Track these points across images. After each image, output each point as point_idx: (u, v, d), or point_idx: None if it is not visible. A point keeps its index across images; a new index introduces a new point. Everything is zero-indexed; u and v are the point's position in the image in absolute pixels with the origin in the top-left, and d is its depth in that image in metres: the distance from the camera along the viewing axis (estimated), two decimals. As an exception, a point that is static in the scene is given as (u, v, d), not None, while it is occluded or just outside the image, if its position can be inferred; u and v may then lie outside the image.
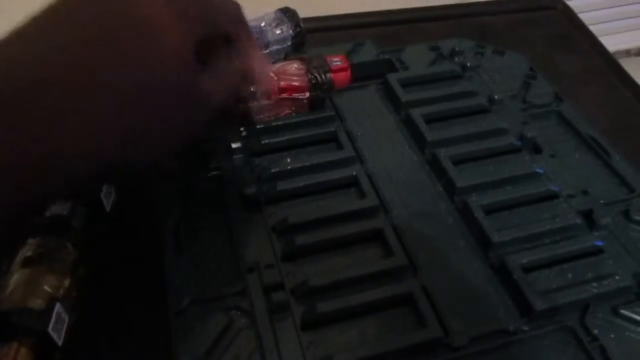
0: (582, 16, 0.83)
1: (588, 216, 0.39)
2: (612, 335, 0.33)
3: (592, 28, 0.85)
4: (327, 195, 0.40)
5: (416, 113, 0.45)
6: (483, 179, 0.41)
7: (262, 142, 0.43)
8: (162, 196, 0.40)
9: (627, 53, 1.07)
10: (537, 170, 0.42)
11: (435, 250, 0.37)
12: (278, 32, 0.51)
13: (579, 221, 0.38)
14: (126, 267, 0.39)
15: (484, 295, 0.35)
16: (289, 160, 0.42)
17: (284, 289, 0.34)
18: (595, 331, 0.33)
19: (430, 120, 0.45)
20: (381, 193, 0.40)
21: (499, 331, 0.34)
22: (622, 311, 0.34)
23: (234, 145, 0.43)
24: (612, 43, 1.03)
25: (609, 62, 0.59)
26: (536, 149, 0.45)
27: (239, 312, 0.34)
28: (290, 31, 0.51)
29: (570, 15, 0.65)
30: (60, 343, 0.33)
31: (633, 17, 1.03)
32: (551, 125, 0.48)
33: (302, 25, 0.51)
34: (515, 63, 0.53)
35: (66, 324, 0.34)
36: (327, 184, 0.40)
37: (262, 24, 0.50)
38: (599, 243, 0.37)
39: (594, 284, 0.35)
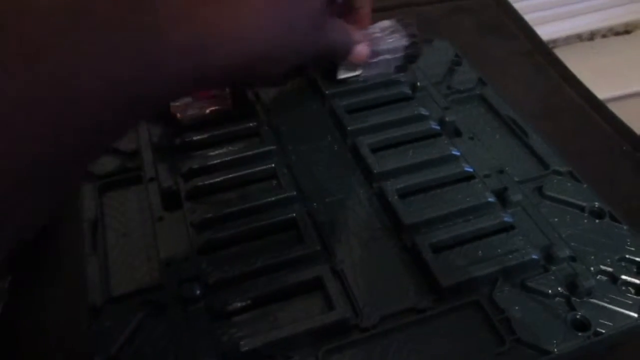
0: (529, 2, 0.85)
1: (501, 194, 0.40)
2: (518, 307, 0.34)
3: (541, 14, 0.87)
4: (247, 188, 0.41)
5: (338, 104, 0.46)
6: (399, 164, 0.41)
7: (185, 140, 0.43)
8: (82, 193, 0.41)
9: (579, 38, 1.09)
10: (454, 152, 0.43)
11: (350, 236, 0.38)
12: (390, 41, 0.47)
13: (491, 199, 0.39)
14: (51, 270, 0.40)
15: (396, 276, 0.36)
16: (209, 155, 0.42)
17: (198, 281, 0.35)
18: (502, 304, 0.34)
19: (352, 110, 0.46)
20: (300, 183, 0.41)
21: (408, 309, 0.34)
22: (529, 283, 0.35)
23: (157, 144, 0.44)
24: (561, 28, 1.05)
25: (537, 46, 0.60)
26: (456, 133, 0.46)
27: (154, 307, 0.35)
28: (404, 41, 0.47)
29: (502, 3, 0.66)
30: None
31: (581, 2, 1.05)
32: (473, 109, 0.49)
33: (417, 35, 0.47)
34: (442, 50, 0.54)
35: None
36: (247, 178, 0.41)
37: (375, 32, 0.47)
38: (509, 219, 0.38)
39: (502, 259, 0.36)
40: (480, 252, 0.37)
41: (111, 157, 0.44)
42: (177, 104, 0.44)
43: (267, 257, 0.36)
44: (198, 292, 0.34)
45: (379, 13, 0.62)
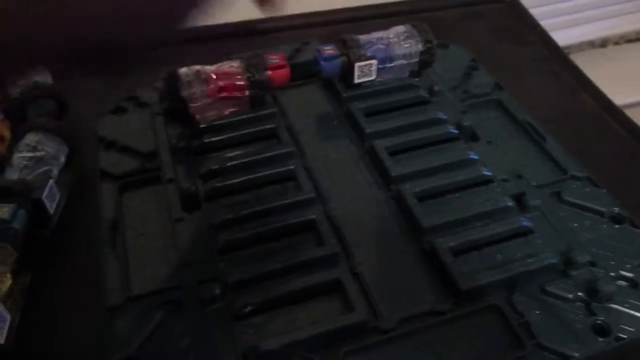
0: (541, 9, 0.85)
1: (520, 199, 0.40)
2: (537, 312, 0.34)
3: (553, 21, 0.87)
4: (266, 190, 0.41)
5: (356, 107, 0.46)
6: (417, 167, 0.42)
7: (204, 141, 0.44)
8: (101, 192, 0.41)
9: (592, 45, 1.08)
10: (472, 156, 0.43)
11: (369, 238, 0.38)
12: (406, 46, 0.47)
13: (509, 204, 0.39)
14: (69, 269, 0.40)
15: (414, 279, 0.36)
16: (228, 157, 0.42)
17: (218, 282, 0.35)
18: (521, 309, 0.34)
19: (369, 113, 0.46)
20: (319, 185, 0.41)
21: (427, 312, 0.34)
22: (548, 288, 0.35)
23: (176, 145, 0.44)
24: (574, 35, 1.05)
25: (553, 52, 0.60)
26: (474, 137, 0.46)
27: (173, 307, 0.35)
28: (420, 46, 0.47)
29: (517, 8, 0.66)
30: (2, 341, 0.33)
31: (594, 8, 1.04)
32: (490, 114, 0.49)
33: (433, 41, 0.47)
34: (458, 55, 0.54)
35: (8, 323, 0.35)
36: (266, 179, 0.41)
37: (390, 36, 0.47)
38: (527, 224, 0.38)
39: (521, 263, 0.36)
40: (499, 256, 0.37)
41: (130, 157, 0.44)
42: (196, 105, 0.44)
43: (286, 258, 0.36)
44: (217, 292, 0.34)
45: (394, 18, 0.63)
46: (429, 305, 0.35)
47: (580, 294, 0.35)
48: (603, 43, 1.09)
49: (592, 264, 0.36)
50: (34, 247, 0.39)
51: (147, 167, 0.43)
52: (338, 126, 0.47)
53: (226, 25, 0.61)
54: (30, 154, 0.42)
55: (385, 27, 0.49)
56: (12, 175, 0.41)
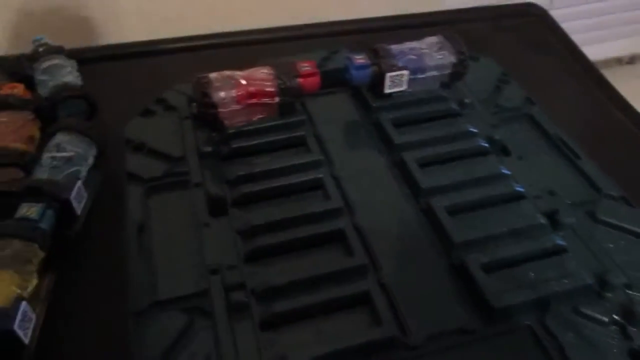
0: (569, 24, 0.84)
1: (553, 216, 0.39)
2: (572, 334, 0.33)
3: (580, 36, 0.86)
4: (294, 198, 0.41)
5: (385, 117, 0.46)
6: (448, 180, 0.41)
7: (232, 147, 0.44)
8: (128, 195, 0.41)
9: (619, 61, 1.07)
10: (504, 171, 0.42)
11: (397, 251, 0.38)
12: (439, 57, 0.46)
13: (542, 221, 0.38)
14: (94, 271, 0.40)
15: (443, 294, 0.35)
16: (256, 163, 0.42)
17: (244, 290, 0.35)
18: (555, 330, 0.33)
19: (399, 124, 0.46)
20: (347, 195, 0.41)
21: (457, 330, 0.34)
22: (583, 310, 0.34)
23: (204, 150, 0.44)
24: (601, 51, 1.04)
25: (585, 66, 0.59)
26: (505, 151, 0.45)
27: (199, 313, 0.34)
28: (452, 58, 0.47)
29: (548, 22, 0.65)
30: (27, 341, 0.33)
31: (622, 25, 1.03)
32: (521, 128, 0.48)
33: (465, 52, 0.47)
34: (489, 68, 0.54)
35: (33, 323, 0.34)
36: (294, 187, 0.41)
37: (422, 47, 0.47)
38: (561, 242, 0.37)
39: (555, 283, 0.35)
40: (531, 274, 0.36)
41: (157, 160, 0.44)
42: (225, 110, 0.44)
43: (314, 268, 0.35)
44: (244, 300, 0.34)
45: (424, 29, 0.62)
46: (458, 322, 0.34)
47: (615, 317, 0.34)
48: (631, 60, 1.08)
49: (628, 286, 0.35)
50: (60, 248, 0.39)
51: (174, 171, 0.43)
52: (366, 136, 0.46)
53: (254, 31, 0.61)
54: (59, 154, 0.42)
55: (415, 38, 0.48)
56: (41, 175, 0.41)
